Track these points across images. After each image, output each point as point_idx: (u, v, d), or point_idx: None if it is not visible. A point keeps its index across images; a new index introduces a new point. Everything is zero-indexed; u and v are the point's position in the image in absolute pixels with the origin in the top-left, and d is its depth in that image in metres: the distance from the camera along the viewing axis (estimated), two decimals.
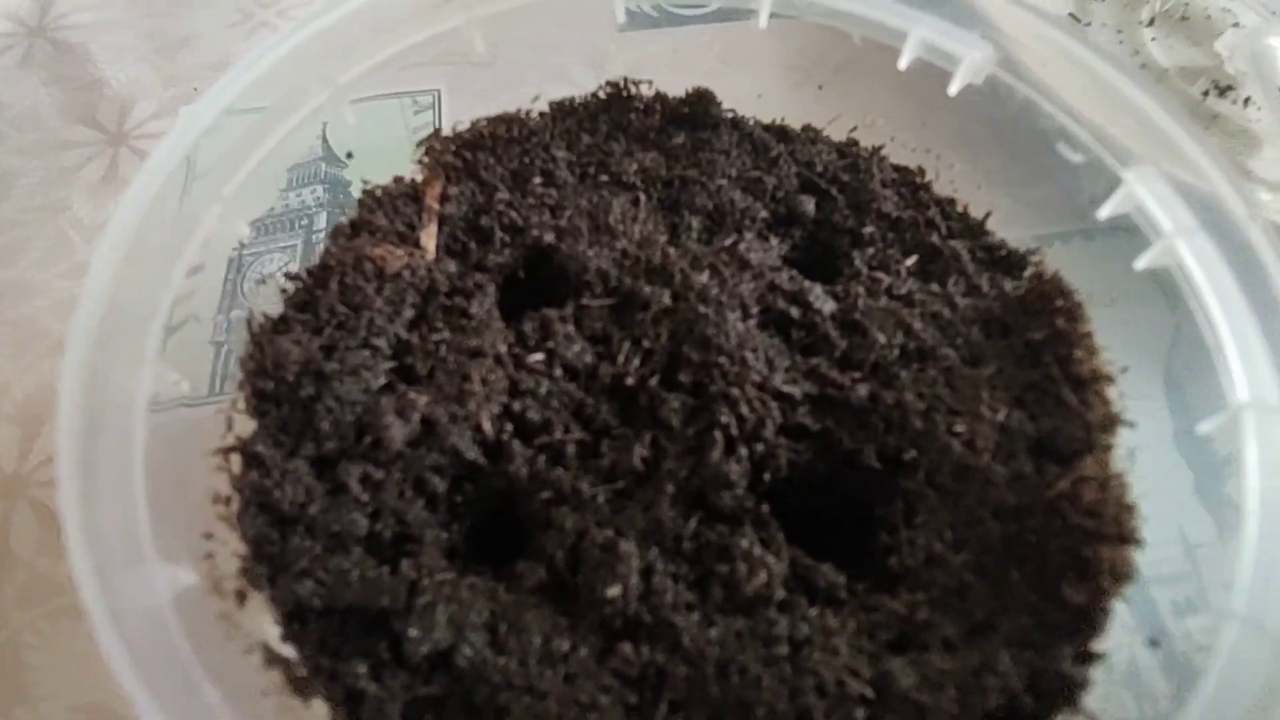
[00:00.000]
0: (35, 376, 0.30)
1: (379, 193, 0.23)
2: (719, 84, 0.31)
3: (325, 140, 0.36)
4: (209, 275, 0.32)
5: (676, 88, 0.26)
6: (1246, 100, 0.35)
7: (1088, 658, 0.16)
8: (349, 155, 0.35)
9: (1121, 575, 0.16)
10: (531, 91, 0.33)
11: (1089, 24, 0.39)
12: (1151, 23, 0.38)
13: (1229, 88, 0.35)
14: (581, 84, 0.37)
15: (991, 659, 0.16)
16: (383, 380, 0.20)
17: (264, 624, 0.16)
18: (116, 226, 0.16)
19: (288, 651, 0.16)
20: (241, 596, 0.16)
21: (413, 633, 0.17)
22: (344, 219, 0.22)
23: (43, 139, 0.38)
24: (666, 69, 0.38)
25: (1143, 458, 0.18)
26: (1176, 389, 0.22)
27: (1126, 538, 0.17)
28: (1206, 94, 0.35)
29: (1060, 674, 0.16)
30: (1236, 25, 0.36)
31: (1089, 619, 0.16)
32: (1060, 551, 0.17)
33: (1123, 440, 0.18)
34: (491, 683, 0.16)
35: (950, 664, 0.16)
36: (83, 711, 0.24)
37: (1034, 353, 0.20)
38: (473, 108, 0.29)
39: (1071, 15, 0.39)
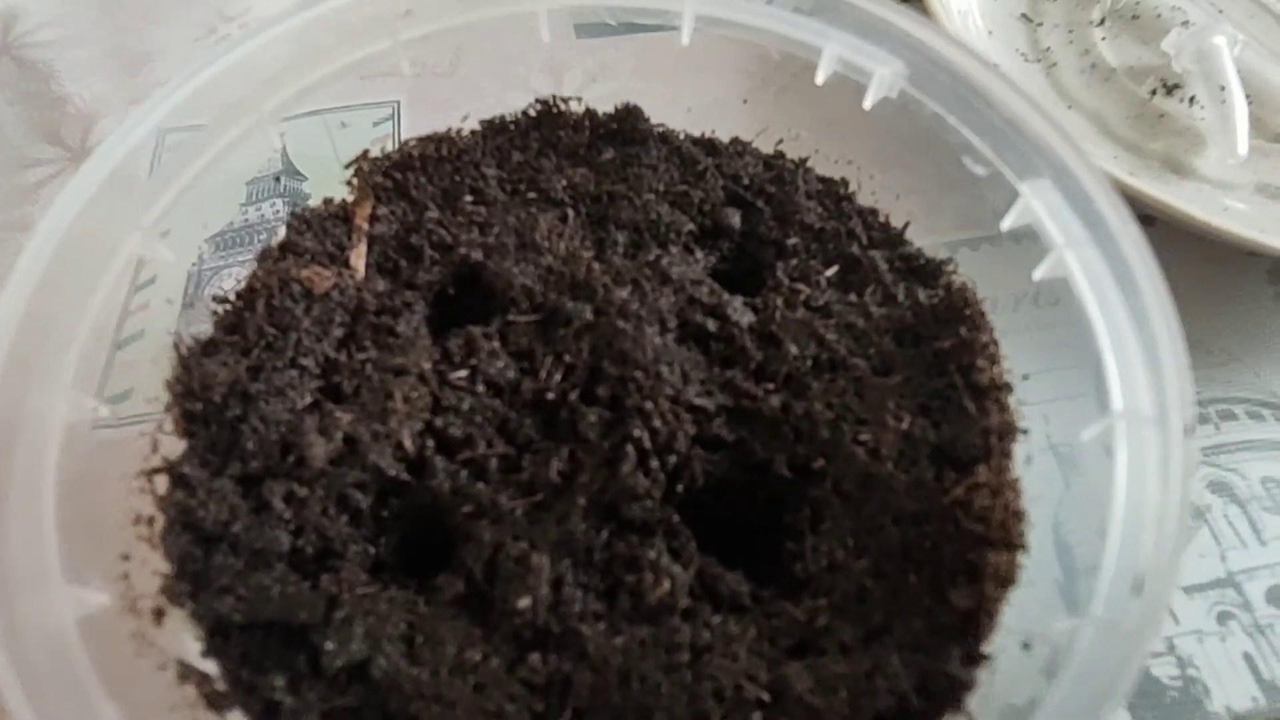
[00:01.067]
0: None
1: (307, 214, 0.23)
2: (674, 90, 0.31)
3: (285, 155, 0.37)
4: (166, 291, 0.33)
5: (634, 95, 0.27)
6: (1192, 99, 0.35)
7: (974, 659, 0.17)
8: (281, 174, 0.35)
9: (1005, 579, 0.17)
10: (491, 101, 0.33)
11: (1040, 23, 0.39)
12: (1102, 22, 0.38)
13: (1176, 86, 0.36)
14: (541, 92, 0.38)
15: (884, 662, 0.17)
16: (309, 399, 0.20)
17: (184, 640, 0.17)
18: (35, 244, 0.17)
19: (208, 666, 0.17)
20: (159, 614, 0.17)
21: (329, 646, 0.17)
22: (272, 242, 0.23)
23: (6, 157, 0.38)
24: (626, 75, 0.38)
25: (1041, 463, 0.18)
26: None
27: (1012, 543, 0.17)
28: (1154, 93, 0.36)
29: (948, 675, 0.17)
30: (1185, 24, 0.37)
31: (975, 622, 0.17)
32: (952, 556, 0.18)
33: (1021, 446, 0.19)
34: (405, 693, 0.17)
35: (845, 667, 0.17)
36: None
37: (940, 361, 0.21)
38: (433, 118, 0.30)
39: (1023, 15, 0.40)
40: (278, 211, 0.37)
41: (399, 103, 0.40)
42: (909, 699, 0.16)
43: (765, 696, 0.17)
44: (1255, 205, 0.33)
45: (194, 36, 0.43)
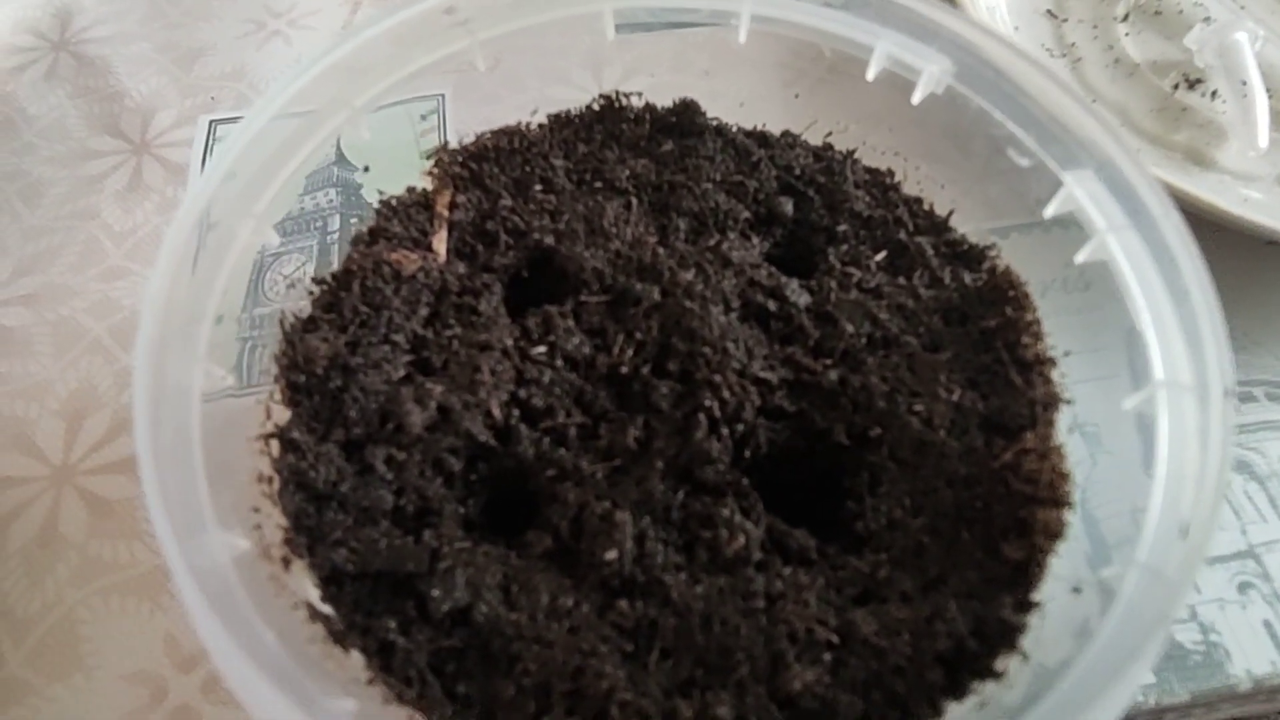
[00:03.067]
0: (76, 373, 0.33)
1: (394, 202, 0.25)
2: (711, 85, 0.33)
3: (338, 147, 0.39)
4: (234, 277, 0.34)
5: (673, 89, 0.29)
6: (1214, 93, 0.36)
7: (1025, 606, 0.19)
8: (365, 169, 0.37)
9: (1054, 533, 0.19)
10: (533, 94, 0.35)
11: (1065, 19, 0.41)
12: (1126, 18, 0.40)
13: (1198, 81, 0.37)
14: (581, 86, 0.39)
15: (942, 609, 0.19)
16: (402, 372, 0.22)
17: (306, 585, 0.19)
18: (170, 239, 0.19)
19: (327, 610, 0.19)
20: (286, 562, 0.19)
21: (435, 593, 0.19)
22: (363, 227, 0.25)
23: (70, 149, 0.40)
24: (664, 70, 0.40)
25: (1069, 442, 0.20)
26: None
27: (1060, 501, 0.19)
28: (1177, 87, 0.37)
29: (1001, 620, 0.18)
30: (1207, 20, 0.38)
31: (1026, 572, 0.19)
32: (1003, 515, 0.20)
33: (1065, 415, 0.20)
34: (505, 635, 0.19)
35: (906, 613, 0.19)
36: (132, 679, 0.27)
37: (987, 339, 0.22)
38: (477, 111, 0.32)
39: (1049, 11, 0.41)
40: (331, 200, 0.38)
41: (444, 96, 0.41)
42: (966, 641, 0.18)
43: (834, 639, 0.19)
44: (1275, 196, 0.34)
45: (243, 32, 0.44)
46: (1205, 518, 0.16)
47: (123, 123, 0.41)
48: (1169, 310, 0.19)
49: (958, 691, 0.18)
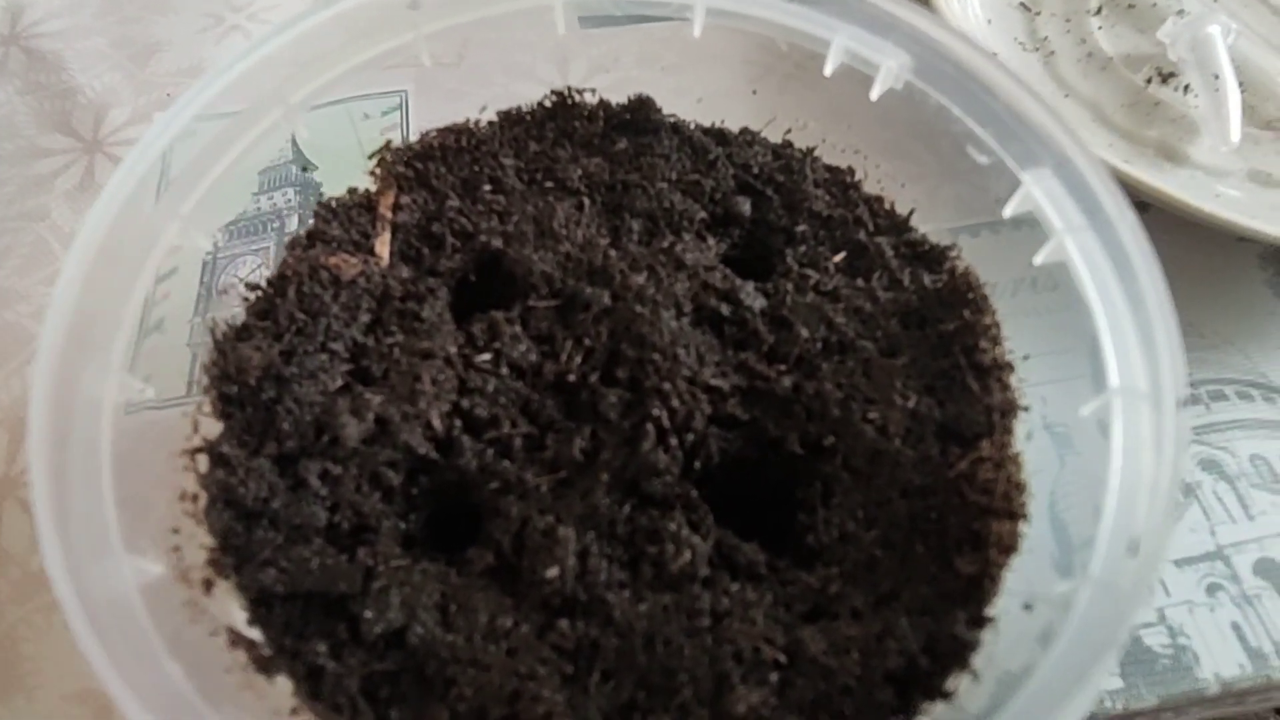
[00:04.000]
0: (21, 381, 0.32)
1: (334, 204, 0.24)
2: (674, 81, 0.32)
3: (295, 145, 0.37)
4: (183, 279, 0.33)
5: (637, 84, 0.28)
6: (1186, 88, 0.36)
7: (979, 621, 0.18)
8: (304, 169, 0.36)
9: (1008, 547, 0.18)
10: (498, 90, 0.34)
11: (1038, 13, 0.40)
12: (1099, 11, 0.39)
13: (1171, 75, 0.37)
14: (546, 81, 0.38)
15: (893, 625, 0.18)
16: (339, 382, 0.21)
17: (231, 609, 0.18)
18: (85, 235, 0.18)
19: (253, 634, 0.18)
20: (208, 584, 0.18)
21: (368, 614, 0.18)
22: (300, 230, 0.24)
23: (19, 147, 0.39)
24: (630, 65, 0.39)
25: (1038, 442, 0.19)
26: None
27: (1015, 513, 0.18)
28: (1149, 81, 0.36)
29: (953, 637, 0.18)
30: (1181, 13, 0.38)
31: (980, 587, 0.18)
32: (958, 527, 0.19)
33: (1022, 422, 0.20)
34: (441, 658, 0.18)
35: (857, 630, 0.18)
36: (76, 699, 0.26)
37: (945, 343, 0.22)
38: (441, 108, 0.31)
39: (1022, 4, 0.40)
40: (289, 200, 0.37)
41: (407, 92, 0.40)
42: (917, 659, 0.18)
43: (782, 658, 0.18)
44: (1247, 192, 0.34)
45: (201, 27, 0.43)
46: (1157, 531, 0.15)
47: (74, 120, 0.40)
48: (1126, 316, 0.18)
49: (908, 712, 0.17)
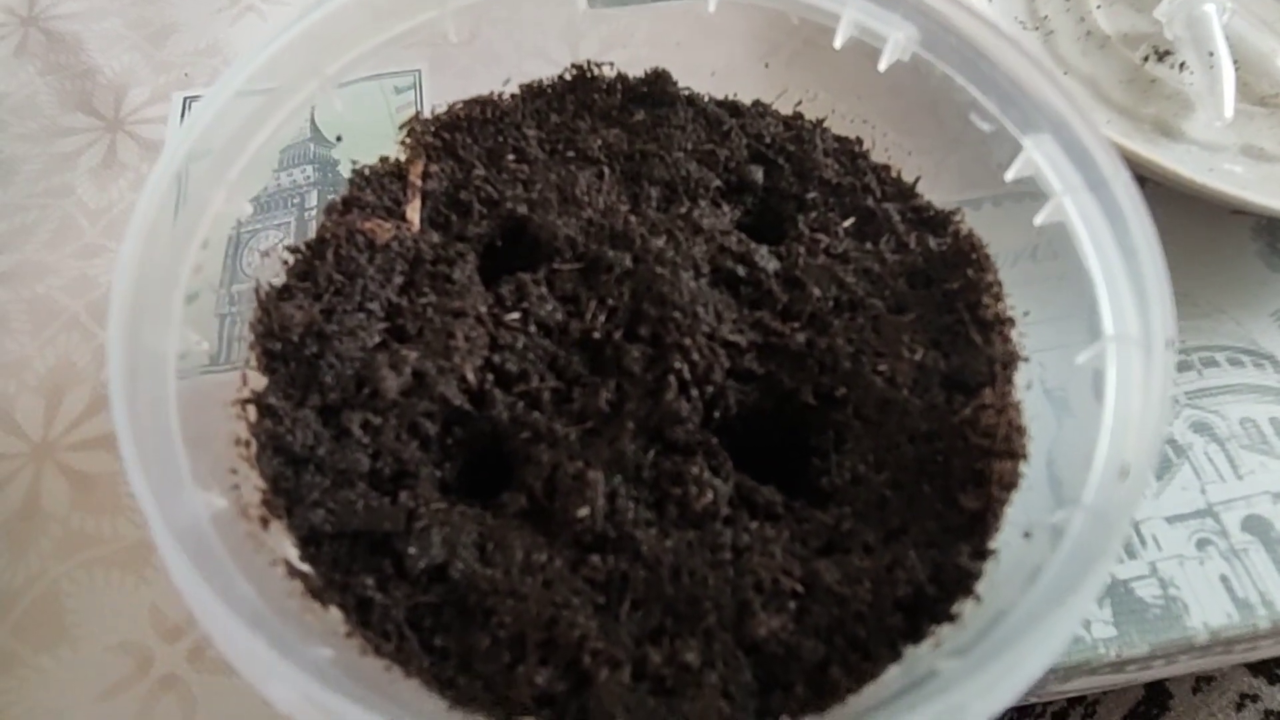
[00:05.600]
0: (55, 350, 0.33)
1: (367, 171, 0.26)
2: (685, 57, 0.33)
3: (314, 123, 0.39)
4: (212, 252, 0.35)
5: (647, 61, 0.29)
6: (1182, 65, 0.37)
7: (982, 553, 0.19)
8: (338, 138, 0.38)
9: (1009, 484, 0.20)
10: (510, 68, 0.35)
11: None
12: None
13: (1167, 53, 0.38)
14: (558, 59, 0.39)
15: (902, 558, 0.20)
16: (377, 339, 0.23)
17: (285, 544, 0.19)
18: (144, 201, 0.19)
19: (305, 568, 0.20)
20: (265, 522, 0.19)
21: (412, 551, 0.20)
22: (336, 196, 0.25)
23: (43, 126, 0.40)
24: (640, 43, 0.40)
25: (1037, 405, 0.21)
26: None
27: (1015, 453, 0.20)
28: (1146, 59, 0.38)
29: (958, 567, 0.19)
30: None
31: (983, 521, 0.19)
32: (961, 467, 0.20)
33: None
34: (481, 590, 0.20)
35: (868, 563, 0.20)
36: (118, 649, 0.27)
37: (949, 300, 0.23)
38: (453, 85, 0.32)
39: None
40: (308, 176, 0.39)
41: (420, 70, 0.41)
42: (925, 588, 0.19)
43: (799, 588, 0.19)
44: (1240, 165, 0.35)
45: (216, 8, 0.44)
46: (1145, 458, 0.17)
47: (95, 100, 0.41)
48: (1119, 268, 0.20)
49: (916, 635, 0.19)
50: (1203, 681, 0.40)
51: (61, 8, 0.44)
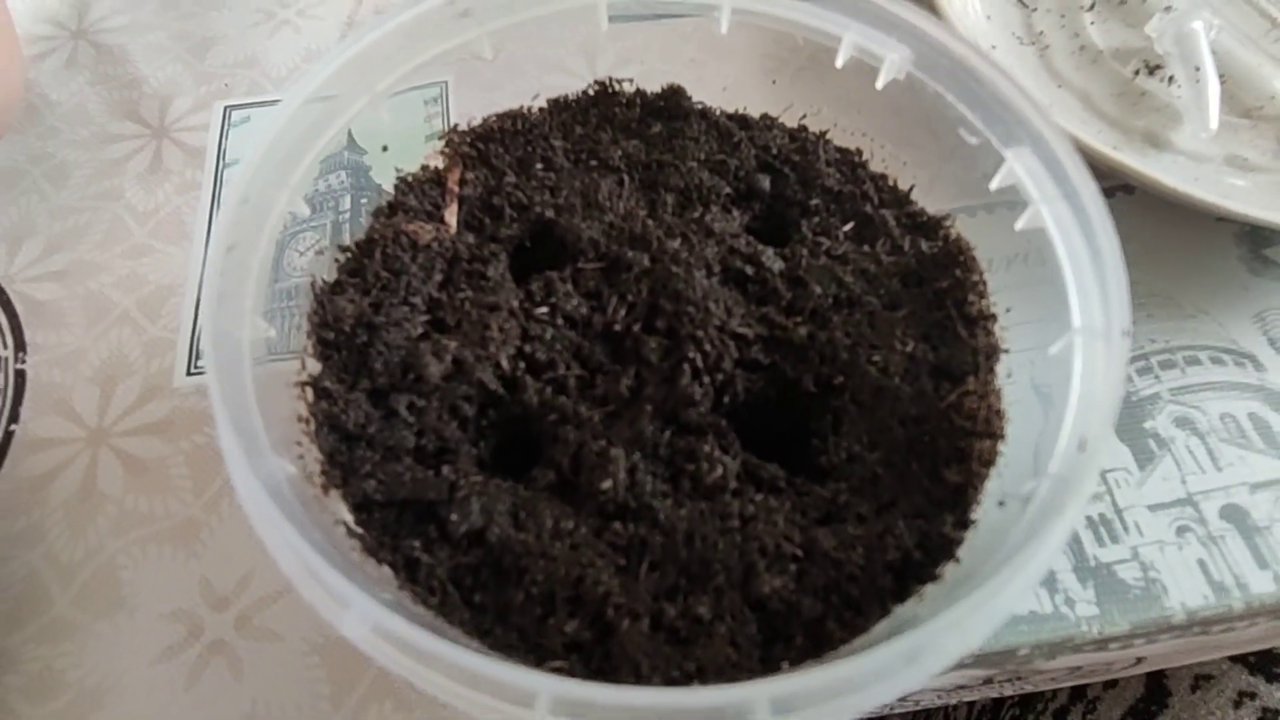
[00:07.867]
0: (107, 344, 0.36)
1: (410, 179, 0.29)
2: (697, 72, 0.36)
3: (349, 133, 0.42)
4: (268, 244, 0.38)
5: (662, 76, 0.32)
6: (1171, 79, 0.40)
7: (964, 523, 0.22)
8: (384, 148, 0.41)
9: (988, 461, 0.22)
10: (531, 81, 0.38)
11: (1034, 9, 0.44)
12: (1092, 7, 0.43)
13: (1157, 67, 0.40)
14: (577, 73, 0.42)
15: (892, 527, 0.22)
16: (420, 330, 0.26)
17: (342, 509, 0.22)
18: (227, 207, 0.22)
19: (361, 531, 0.22)
20: (325, 489, 0.22)
21: (454, 518, 0.23)
22: (382, 201, 0.28)
23: (93, 133, 0.43)
24: (654, 58, 0.43)
25: (1026, 401, 0.23)
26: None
27: (994, 434, 0.23)
28: (1137, 73, 0.40)
29: (942, 535, 0.22)
30: (1167, 9, 0.41)
31: (964, 495, 0.22)
32: (946, 446, 0.23)
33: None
34: (515, 552, 0.22)
35: (861, 531, 0.22)
36: (171, 618, 0.30)
37: (939, 298, 0.26)
38: (478, 97, 0.35)
39: (1019, 1, 0.44)
40: (343, 181, 0.42)
41: (447, 83, 0.44)
42: (912, 553, 0.22)
43: (799, 552, 0.22)
44: (1224, 175, 0.38)
45: (253, 22, 0.47)
46: (1099, 432, 0.19)
47: (142, 108, 0.44)
48: (1087, 267, 0.22)
49: (903, 594, 0.21)
50: (1201, 679, 0.42)
51: (109, 22, 0.48)
